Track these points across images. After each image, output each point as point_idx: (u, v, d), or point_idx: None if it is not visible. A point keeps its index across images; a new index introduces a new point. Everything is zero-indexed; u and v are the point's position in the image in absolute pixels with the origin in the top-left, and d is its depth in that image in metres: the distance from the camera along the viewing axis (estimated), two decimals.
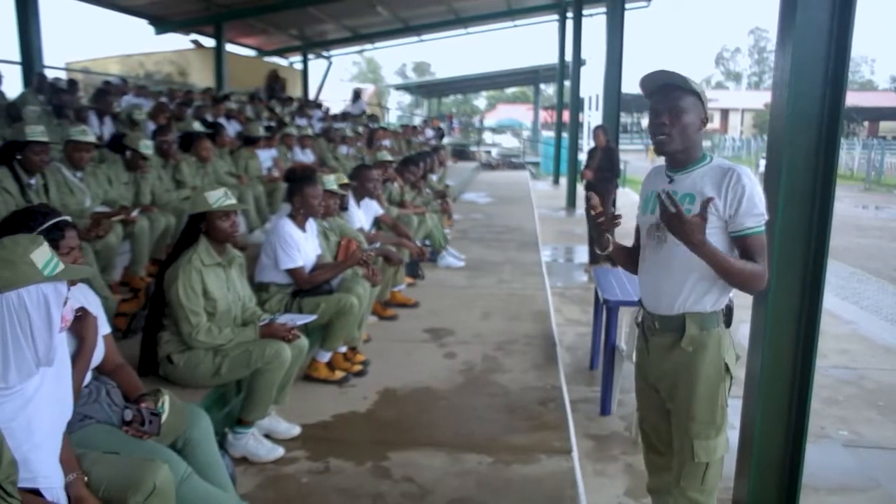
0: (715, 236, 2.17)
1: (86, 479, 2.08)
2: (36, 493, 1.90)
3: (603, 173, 8.49)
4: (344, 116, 14.51)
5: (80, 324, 2.40)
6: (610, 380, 4.55)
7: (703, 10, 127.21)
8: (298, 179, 4.09)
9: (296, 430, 3.56)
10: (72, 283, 1.95)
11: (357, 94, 16.86)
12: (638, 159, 30.28)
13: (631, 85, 18.45)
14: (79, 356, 2.41)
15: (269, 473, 3.19)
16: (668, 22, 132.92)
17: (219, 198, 3.24)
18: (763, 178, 3.14)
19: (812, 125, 3.04)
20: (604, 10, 16.19)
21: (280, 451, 3.33)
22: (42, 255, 1.86)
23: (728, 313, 2.32)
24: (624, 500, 3.60)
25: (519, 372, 4.43)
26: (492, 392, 4.13)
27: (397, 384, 4.19)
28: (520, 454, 3.37)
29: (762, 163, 22.88)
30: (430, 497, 2.99)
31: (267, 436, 3.44)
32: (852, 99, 35.77)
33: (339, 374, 4.23)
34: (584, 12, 15.83)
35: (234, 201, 3.30)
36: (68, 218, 2.57)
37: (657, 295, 2.36)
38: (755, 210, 2.17)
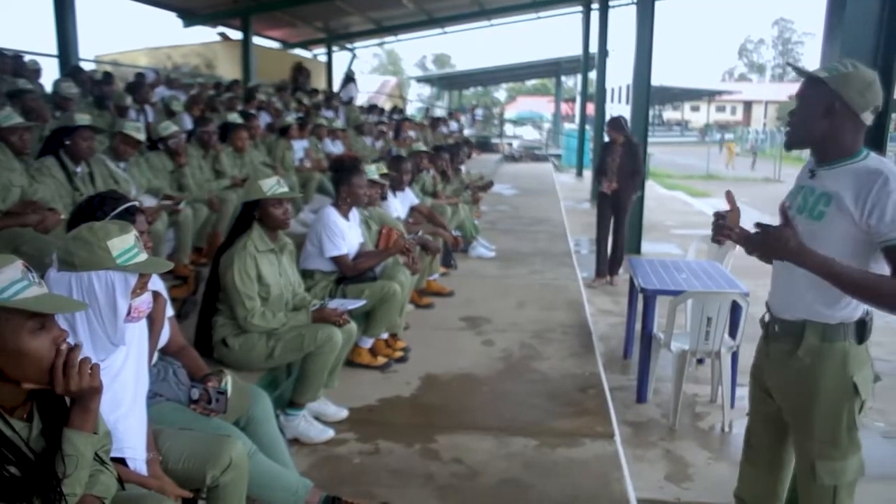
0: (847, 246, 2.01)
1: (160, 458, 2.18)
2: (121, 462, 2.00)
3: (623, 172, 7.36)
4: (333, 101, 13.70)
5: (152, 305, 2.49)
6: (646, 368, 4.61)
7: (727, 1, 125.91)
8: (346, 169, 4.18)
9: (343, 413, 3.65)
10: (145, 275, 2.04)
11: (348, 79, 15.82)
12: (661, 152, 30.09)
13: (653, 77, 18.23)
14: (149, 336, 2.51)
15: (321, 454, 3.28)
16: (690, 12, 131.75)
17: (272, 186, 3.33)
18: None
19: None
20: (628, 1, 16.22)
21: (331, 433, 3.42)
22: (121, 243, 1.94)
23: (860, 327, 2.10)
24: (665, 484, 3.66)
25: (557, 360, 4.49)
26: (532, 379, 4.20)
27: (439, 370, 4.27)
28: (564, 438, 3.44)
29: None
30: (479, 478, 3.07)
31: (316, 418, 3.53)
32: None
33: (381, 360, 4.31)
34: (611, 3, 15.76)
35: (286, 189, 3.39)
36: (137, 203, 2.67)
37: (782, 296, 2.21)
38: None
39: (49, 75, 8.31)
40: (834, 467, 2.14)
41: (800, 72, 2.13)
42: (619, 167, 7.38)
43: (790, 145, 2.18)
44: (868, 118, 2.05)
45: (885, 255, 1.97)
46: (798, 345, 2.14)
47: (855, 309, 2.08)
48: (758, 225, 2.06)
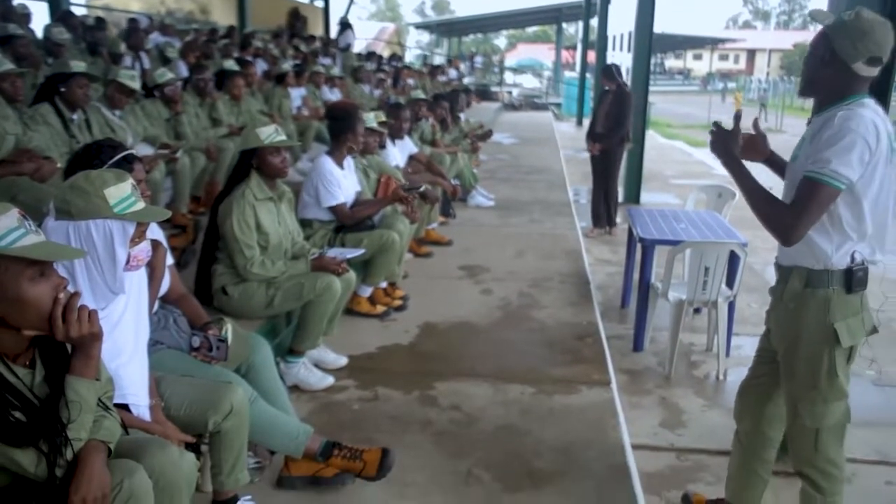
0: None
1: (163, 404, 2.21)
2: (125, 408, 2.03)
3: (611, 120, 7.24)
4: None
5: (152, 254, 2.49)
6: (644, 317, 4.64)
7: None
8: (343, 117, 4.13)
9: (343, 361, 3.70)
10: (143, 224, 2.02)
11: (345, 25, 15.48)
12: (662, 101, 29.72)
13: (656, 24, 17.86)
14: (149, 285, 2.52)
15: (321, 400, 3.33)
16: None
17: (270, 134, 3.30)
18: None
19: None
20: None
21: (330, 380, 3.47)
22: (118, 192, 1.92)
23: (848, 276, 2.10)
24: (659, 430, 3.72)
25: (555, 308, 4.53)
26: (530, 327, 4.24)
27: (437, 318, 4.31)
28: (560, 385, 3.49)
29: None
30: (477, 424, 3.12)
31: (316, 365, 3.57)
32: None
33: (380, 309, 4.34)
34: None
35: (284, 137, 3.36)
36: (135, 152, 2.65)
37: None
38: (821, 154, 1.98)
39: (39, 21, 8.15)
40: (815, 410, 2.21)
41: (814, 18, 2.14)
42: (607, 115, 7.29)
43: (800, 92, 2.23)
44: (864, 69, 2.02)
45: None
46: (784, 289, 2.22)
47: (842, 257, 2.10)
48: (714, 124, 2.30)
